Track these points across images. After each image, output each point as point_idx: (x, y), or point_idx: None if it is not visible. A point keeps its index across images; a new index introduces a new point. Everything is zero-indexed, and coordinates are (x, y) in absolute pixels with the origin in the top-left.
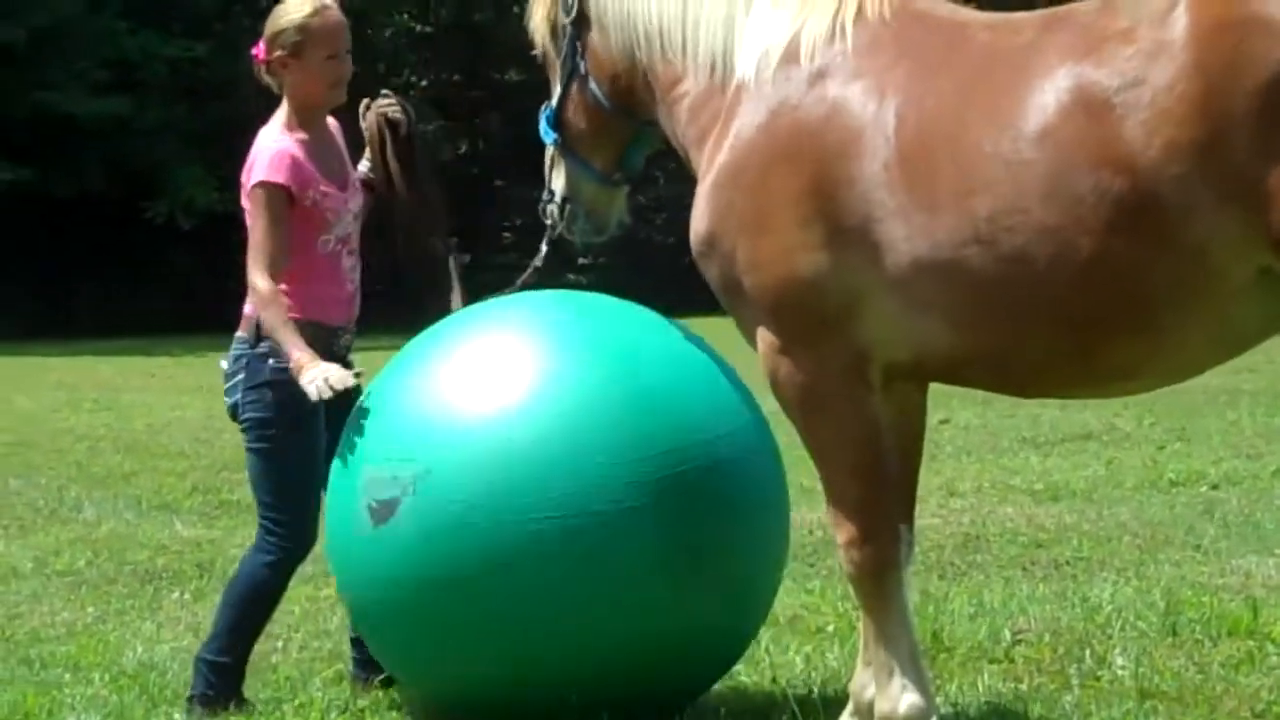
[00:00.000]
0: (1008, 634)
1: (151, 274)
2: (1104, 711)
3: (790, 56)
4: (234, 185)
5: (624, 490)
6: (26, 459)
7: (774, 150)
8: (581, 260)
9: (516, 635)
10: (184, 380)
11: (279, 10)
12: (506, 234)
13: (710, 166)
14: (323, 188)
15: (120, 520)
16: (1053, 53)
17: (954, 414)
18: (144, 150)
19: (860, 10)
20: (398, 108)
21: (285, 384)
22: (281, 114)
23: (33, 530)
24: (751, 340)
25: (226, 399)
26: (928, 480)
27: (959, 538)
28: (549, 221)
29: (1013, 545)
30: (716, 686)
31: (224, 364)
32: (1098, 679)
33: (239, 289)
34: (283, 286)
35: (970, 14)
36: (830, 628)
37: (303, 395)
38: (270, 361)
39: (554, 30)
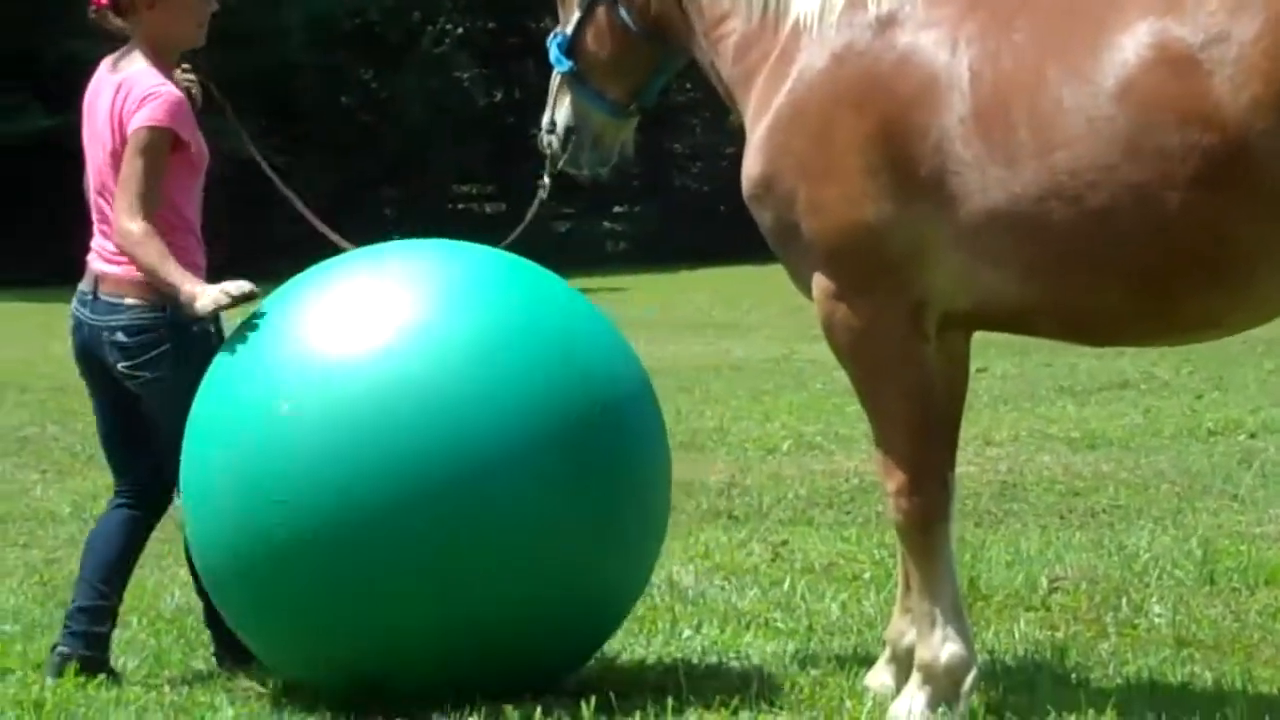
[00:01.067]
0: (1044, 582)
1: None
2: (1140, 660)
3: (856, 1)
4: (270, 134)
5: (503, 443)
6: (63, 404)
7: (839, 95)
8: (616, 208)
9: (390, 593)
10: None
11: None
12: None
13: (765, 109)
14: (199, 136)
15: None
16: (1132, 8)
17: (991, 363)
18: None
19: None
20: (196, 85)
21: (204, 350)
22: (139, 56)
23: (70, 475)
24: (802, 286)
25: (132, 370)
26: (965, 429)
27: (996, 486)
28: (548, 153)
29: (1050, 493)
30: (752, 632)
31: (122, 337)
32: (1134, 627)
33: (272, 234)
34: (181, 237)
35: None
36: (866, 575)
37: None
38: (194, 327)
39: None
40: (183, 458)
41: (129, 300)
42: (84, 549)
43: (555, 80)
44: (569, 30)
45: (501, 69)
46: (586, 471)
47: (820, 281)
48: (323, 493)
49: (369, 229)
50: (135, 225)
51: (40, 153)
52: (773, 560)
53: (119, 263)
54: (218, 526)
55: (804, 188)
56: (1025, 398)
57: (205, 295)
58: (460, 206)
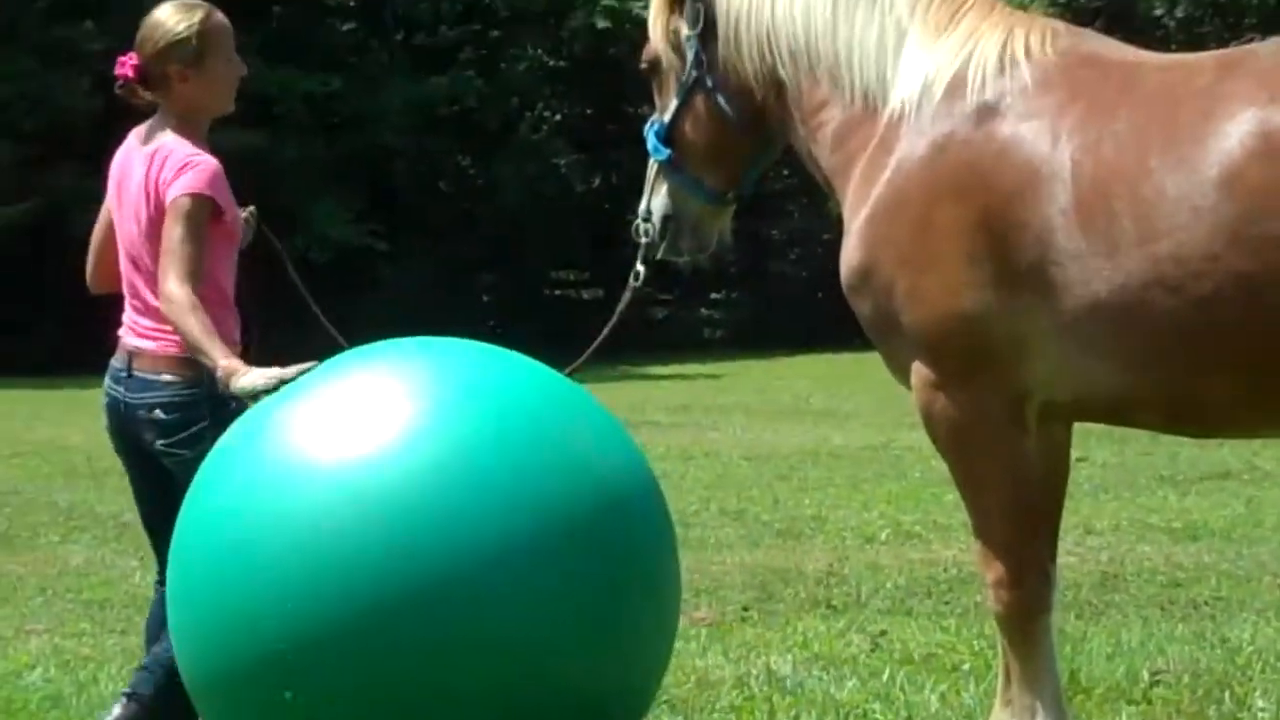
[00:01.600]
0: (1146, 674)
1: (285, 307)
2: None
3: (955, 89)
4: (369, 218)
5: (506, 536)
6: None
7: (939, 185)
8: (714, 295)
9: (395, 694)
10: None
11: (159, 22)
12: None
13: (864, 198)
14: (235, 207)
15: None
16: (1235, 97)
17: (1091, 452)
18: (279, 185)
19: (1028, 46)
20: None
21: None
22: (168, 127)
23: None
24: (900, 375)
25: (171, 449)
26: (1065, 518)
27: (1096, 576)
28: (644, 240)
29: (1150, 584)
30: None
31: (160, 415)
32: None
33: (372, 321)
34: (219, 310)
35: (1141, 54)
36: (966, 666)
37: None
38: (233, 403)
39: (675, 42)
40: (170, 562)
41: (166, 376)
42: (144, 637)
43: (652, 168)
44: (666, 118)
45: (599, 155)
46: (585, 577)
47: (919, 371)
48: (314, 601)
49: (466, 314)
50: (181, 292)
51: None
52: (871, 650)
53: (154, 337)
54: (207, 631)
55: (904, 277)
56: (1126, 487)
57: (248, 374)
58: (557, 292)
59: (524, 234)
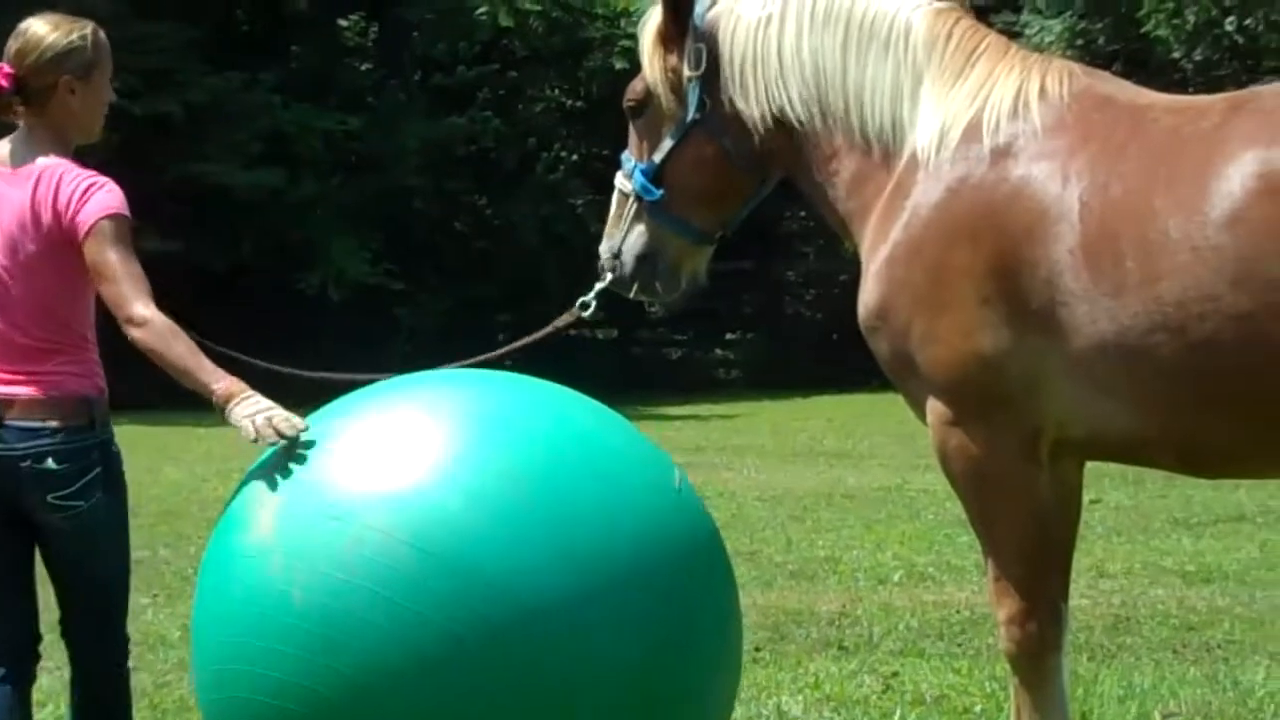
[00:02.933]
0: (1158, 717)
1: (302, 344)
2: None
3: (971, 133)
4: (386, 257)
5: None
6: (175, 528)
7: (955, 227)
8: (729, 335)
9: None
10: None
11: (42, 33)
12: (653, 309)
13: (882, 241)
14: None
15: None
16: (1238, 139)
17: (1105, 494)
18: (297, 223)
19: (1043, 89)
20: None
21: (123, 473)
22: (42, 146)
23: (181, 598)
24: (919, 413)
25: (65, 501)
26: (1078, 560)
27: (1109, 619)
28: (610, 275)
29: (1163, 627)
30: None
31: (52, 464)
32: None
33: (388, 360)
34: (91, 348)
35: (1153, 96)
36: (978, 708)
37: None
38: (114, 448)
39: (674, 83)
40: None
41: (52, 423)
42: None
43: (629, 206)
44: (658, 158)
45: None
46: (642, 627)
47: (935, 409)
48: (349, 653)
49: (481, 353)
50: (153, 314)
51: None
52: (883, 692)
53: (29, 381)
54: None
55: (920, 318)
56: (1139, 530)
57: (246, 410)
58: (572, 332)
59: (539, 274)
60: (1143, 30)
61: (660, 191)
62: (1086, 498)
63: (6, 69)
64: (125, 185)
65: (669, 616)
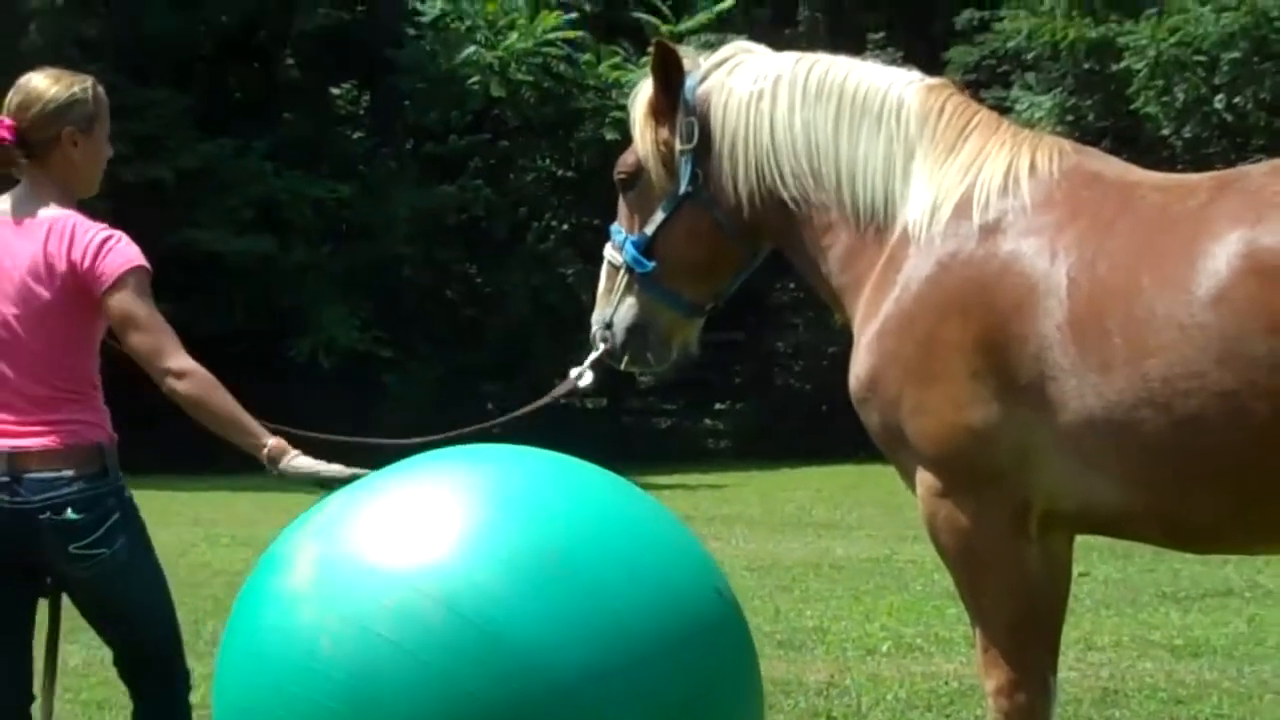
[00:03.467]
0: None
1: (292, 411)
2: None
3: (962, 209)
4: (376, 325)
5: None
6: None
7: (945, 302)
8: (718, 405)
9: None
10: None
11: (43, 87)
12: (643, 378)
13: (873, 314)
14: None
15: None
16: (1224, 218)
17: (1093, 567)
18: (287, 289)
19: (1033, 165)
20: None
21: (139, 514)
22: (48, 199)
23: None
24: (911, 484)
25: (87, 551)
26: (1066, 633)
27: (1097, 692)
28: (603, 347)
29: (1152, 701)
30: None
31: (71, 515)
32: None
33: (378, 427)
34: (99, 396)
35: (1141, 173)
36: None
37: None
38: (127, 494)
39: (665, 156)
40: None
41: (68, 472)
42: None
43: (620, 278)
44: (650, 230)
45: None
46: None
47: (924, 480)
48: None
49: (471, 422)
50: (193, 364)
51: None
52: None
53: (42, 431)
54: None
55: (910, 390)
56: (1128, 603)
57: (298, 455)
58: (562, 401)
59: (529, 343)
60: (1132, 107)
61: (652, 264)
62: (1075, 570)
63: (8, 122)
64: None
65: (690, 692)
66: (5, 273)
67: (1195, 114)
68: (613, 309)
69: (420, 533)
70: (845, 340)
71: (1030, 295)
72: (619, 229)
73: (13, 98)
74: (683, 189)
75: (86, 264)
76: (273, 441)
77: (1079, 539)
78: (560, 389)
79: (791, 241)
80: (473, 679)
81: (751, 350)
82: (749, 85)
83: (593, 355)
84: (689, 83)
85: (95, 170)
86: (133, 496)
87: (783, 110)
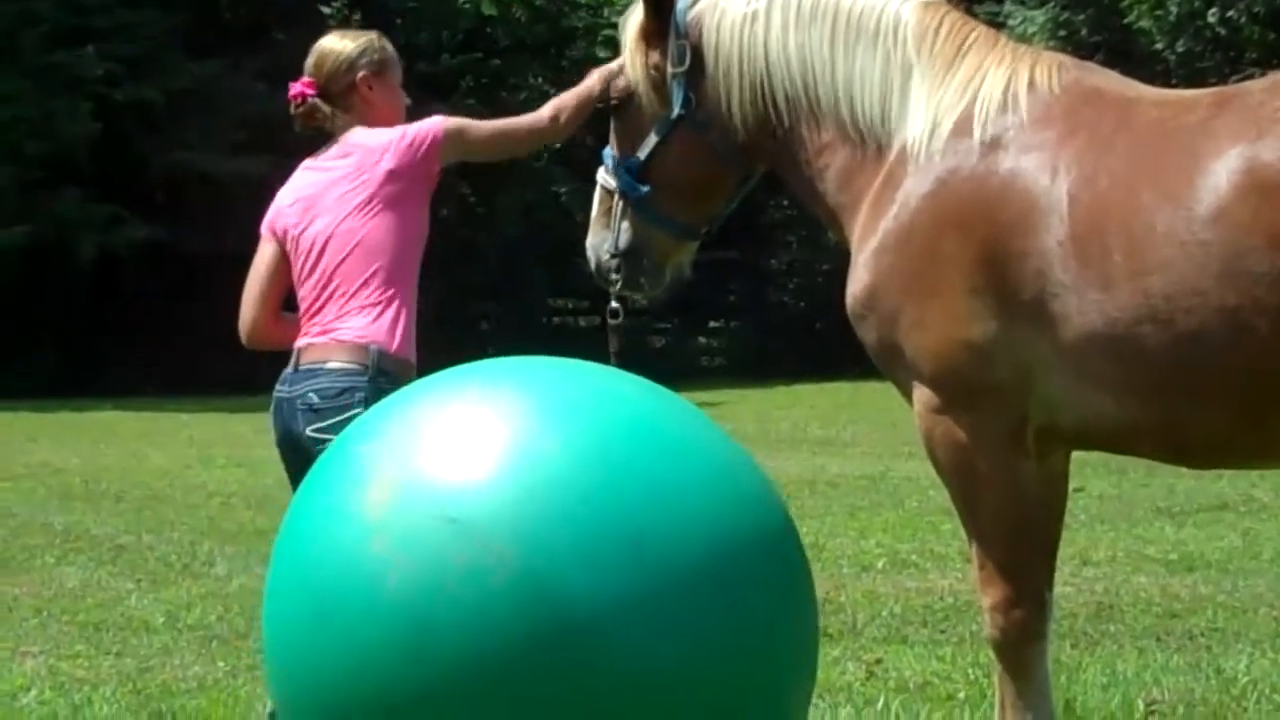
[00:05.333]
0: (1141, 705)
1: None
2: None
3: (961, 126)
4: None
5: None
6: (159, 514)
7: (945, 218)
8: (712, 323)
9: None
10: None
11: (335, 44)
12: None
13: (871, 231)
14: None
15: (252, 575)
16: (1224, 134)
17: (1088, 483)
18: None
19: (1032, 81)
20: None
21: None
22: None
23: (165, 584)
24: (909, 401)
25: (325, 434)
26: (1062, 549)
27: (1092, 607)
28: (614, 277)
29: (1146, 615)
30: None
31: (314, 398)
32: None
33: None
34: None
35: (1140, 89)
36: (961, 695)
37: None
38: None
39: (657, 79)
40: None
41: (330, 364)
42: None
43: (615, 203)
44: (642, 154)
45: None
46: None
47: (922, 396)
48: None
49: (466, 341)
50: (530, 117)
51: (138, 263)
52: (867, 678)
53: (327, 330)
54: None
55: (909, 306)
56: (1123, 518)
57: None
58: (556, 320)
59: (524, 262)
60: (1125, 21)
61: (646, 188)
62: (1070, 486)
63: (308, 80)
64: (108, 173)
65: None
66: (325, 207)
67: (1188, 28)
68: (614, 234)
69: (499, 483)
70: (839, 258)
71: (1031, 211)
72: (611, 153)
73: (309, 61)
74: (675, 113)
75: (408, 143)
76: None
77: (1074, 455)
78: (614, 340)
79: (786, 163)
80: (537, 649)
81: (745, 268)
82: (741, 7)
83: (613, 289)
84: (680, 5)
85: (394, 110)
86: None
87: (776, 30)
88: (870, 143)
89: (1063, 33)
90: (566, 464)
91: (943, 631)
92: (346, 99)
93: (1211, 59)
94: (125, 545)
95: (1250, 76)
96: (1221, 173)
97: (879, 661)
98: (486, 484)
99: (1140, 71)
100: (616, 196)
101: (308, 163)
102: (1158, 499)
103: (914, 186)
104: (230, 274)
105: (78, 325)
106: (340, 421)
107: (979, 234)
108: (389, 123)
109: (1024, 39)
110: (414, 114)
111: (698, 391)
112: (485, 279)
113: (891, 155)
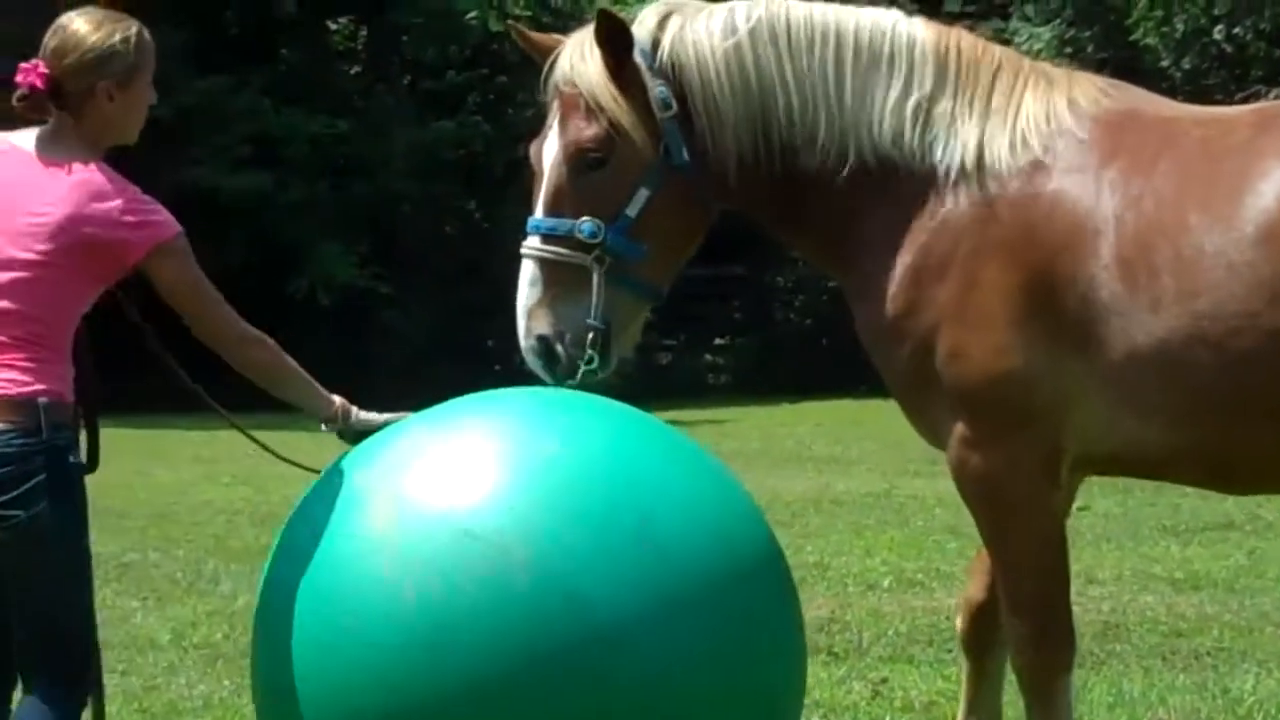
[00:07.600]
0: None
1: (290, 349)
2: None
3: (1002, 150)
4: (374, 262)
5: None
6: (165, 532)
7: (986, 243)
8: (718, 340)
9: None
10: (322, 455)
11: (83, 33)
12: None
13: (900, 258)
14: None
15: (257, 594)
16: (1271, 154)
17: (1094, 501)
18: (285, 226)
19: (1071, 103)
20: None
21: (81, 483)
22: (76, 149)
23: (170, 602)
24: (927, 432)
25: (8, 512)
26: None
27: (1098, 626)
28: (589, 353)
29: (1153, 634)
30: None
31: None
32: None
33: (376, 364)
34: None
35: (1176, 107)
36: None
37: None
38: (70, 457)
39: (650, 127)
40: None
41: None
42: None
43: (594, 271)
44: (632, 211)
45: None
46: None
47: (957, 427)
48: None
49: (471, 359)
50: (253, 330)
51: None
52: (872, 698)
53: None
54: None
55: (947, 334)
56: (1129, 537)
57: (365, 412)
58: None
59: None
60: (1131, 38)
61: (645, 247)
62: (1075, 504)
63: (41, 69)
64: None
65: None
66: (14, 212)
67: (1195, 45)
68: (596, 304)
69: (504, 485)
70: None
71: (1078, 234)
72: (564, 220)
73: (50, 39)
74: (677, 160)
75: (118, 230)
76: (340, 401)
77: None
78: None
79: (780, 201)
80: (552, 638)
81: (750, 285)
82: (719, 39)
83: (587, 365)
84: (639, 43)
85: (132, 123)
86: (80, 466)
87: (769, 61)
88: (889, 169)
89: (1069, 49)
90: (577, 464)
91: (949, 651)
92: (80, 104)
93: (1217, 76)
94: (130, 563)
95: (1257, 93)
96: (1270, 194)
97: (884, 681)
98: (497, 493)
99: (1146, 88)
100: (594, 263)
101: (20, 143)
102: (1163, 518)
103: (953, 213)
104: (234, 289)
105: (82, 341)
106: (24, 494)
107: (1023, 259)
108: (122, 135)
109: (1029, 56)
110: (420, 128)
111: (703, 409)
112: (490, 295)
113: (921, 181)
